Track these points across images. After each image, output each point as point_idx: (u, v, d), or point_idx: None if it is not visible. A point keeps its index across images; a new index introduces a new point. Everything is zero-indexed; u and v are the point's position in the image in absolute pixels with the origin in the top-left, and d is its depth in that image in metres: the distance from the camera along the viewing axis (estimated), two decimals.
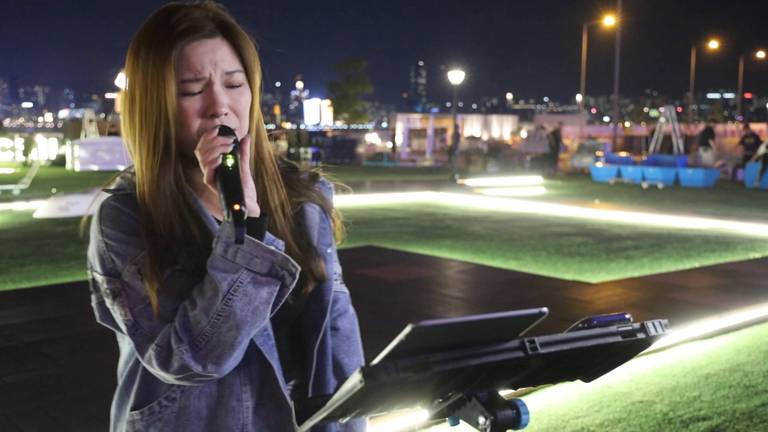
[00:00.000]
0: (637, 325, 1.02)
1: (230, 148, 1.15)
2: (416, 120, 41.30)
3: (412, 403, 0.99)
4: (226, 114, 1.19)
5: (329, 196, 1.40)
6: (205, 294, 1.13)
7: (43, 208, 12.41)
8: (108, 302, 1.20)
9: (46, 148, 28.76)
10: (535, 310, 0.92)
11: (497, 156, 27.11)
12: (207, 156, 1.14)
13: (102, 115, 46.15)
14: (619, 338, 1.00)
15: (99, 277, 1.20)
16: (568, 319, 5.73)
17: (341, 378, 1.37)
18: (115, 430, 1.30)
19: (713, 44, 61.33)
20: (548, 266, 8.28)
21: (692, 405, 4.20)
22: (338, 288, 1.41)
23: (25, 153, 28.12)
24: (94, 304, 1.25)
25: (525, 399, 4.21)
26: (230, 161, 1.14)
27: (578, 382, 1.12)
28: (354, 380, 0.86)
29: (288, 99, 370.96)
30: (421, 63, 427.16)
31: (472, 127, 53.56)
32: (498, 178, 21.36)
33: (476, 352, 0.91)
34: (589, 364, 1.05)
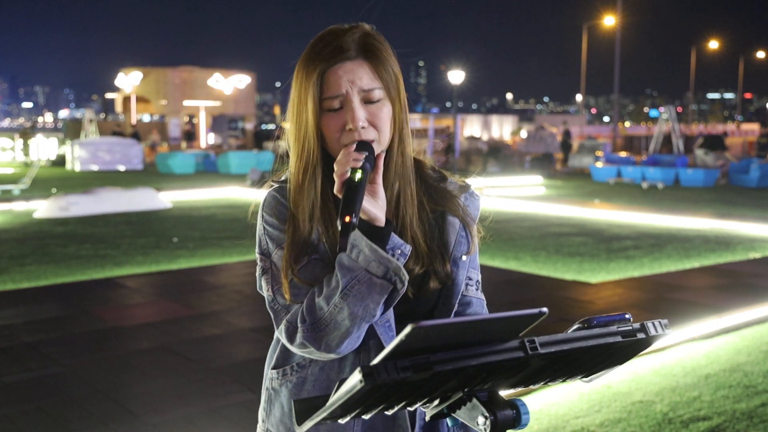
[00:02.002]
0: (637, 325, 1.02)
1: (360, 163, 1.26)
2: (416, 120, 41.31)
3: (412, 403, 0.99)
4: (363, 127, 1.32)
5: (474, 208, 1.53)
6: (330, 284, 1.29)
7: (43, 208, 12.41)
8: (259, 277, 1.40)
9: (46, 148, 28.75)
10: (535, 310, 0.92)
11: (497, 156, 27.10)
12: (339, 169, 1.28)
13: (102, 115, 46.13)
14: (619, 338, 1.00)
15: (257, 255, 1.42)
16: (568, 319, 5.73)
17: None
18: (264, 381, 1.52)
19: (713, 44, 61.29)
20: (548, 266, 8.28)
21: (692, 405, 4.20)
22: (473, 294, 1.50)
23: (26, 153, 28.12)
24: (257, 275, 1.44)
25: (525, 399, 4.20)
26: (358, 175, 1.25)
27: (578, 382, 1.12)
28: (354, 380, 0.86)
29: (288, 99, 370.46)
30: (421, 63, 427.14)
31: (472, 127, 53.55)
32: (498, 178, 21.36)
33: (476, 352, 0.91)
34: (589, 364, 1.05)
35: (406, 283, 1.27)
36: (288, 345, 1.33)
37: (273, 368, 1.46)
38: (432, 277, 1.39)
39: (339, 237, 1.24)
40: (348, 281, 1.26)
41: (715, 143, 22.27)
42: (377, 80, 1.34)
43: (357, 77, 1.32)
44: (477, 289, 1.52)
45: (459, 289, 1.43)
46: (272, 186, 1.44)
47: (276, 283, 1.36)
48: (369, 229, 1.28)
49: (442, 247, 1.42)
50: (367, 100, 1.33)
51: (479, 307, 1.52)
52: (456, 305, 1.43)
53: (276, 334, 1.43)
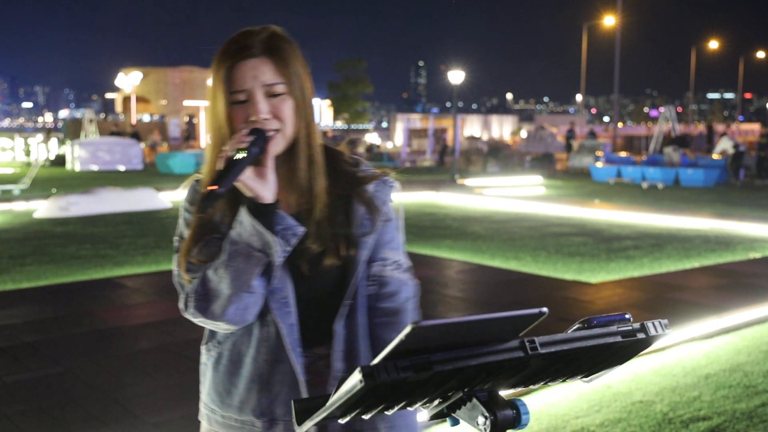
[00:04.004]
0: (637, 325, 1.02)
1: (244, 145, 1.38)
2: (416, 120, 41.32)
3: (412, 403, 0.99)
4: (266, 119, 1.44)
5: (384, 194, 1.59)
6: (219, 257, 1.45)
7: (43, 208, 12.41)
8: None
9: (46, 148, 28.74)
10: (535, 310, 0.92)
11: (497, 156, 27.09)
12: (227, 148, 1.40)
13: (102, 115, 46.12)
14: (619, 338, 1.00)
15: (175, 237, 1.56)
16: (568, 319, 5.73)
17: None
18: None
19: (713, 44, 61.28)
20: (548, 266, 8.28)
21: (692, 405, 4.20)
22: (390, 273, 1.56)
23: (27, 153, 28.12)
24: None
25: (525, 399, 4.20)
26: (240, 155, 1.36)
27: (578, 382, 1.12)
28: (354, 380, 0.86)
29: None
30: (421, 63, 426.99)
31: (472, 127, 53.55)
32: (498, 178, 21.35)
33: (476, 352, 0.91)
34: (589, 364, 1.05)
35: (280, 255, 1.42)
36: (185, 315, 1.48)
37: (202, 345, 1.62)
38: (328, 255, 1.49)
39: (199, 203, 1.34)
40: (230, 253, 1.42)
41: (682, 142, 22.68)
42: (279, 76, 1.45)
43: (260, 73, 1.44)
44: (396, 270, 1.58)
45: (358, 267, 1.51)
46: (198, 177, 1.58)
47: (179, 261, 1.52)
48: (254, 206, 1.41)
49: (345, 228, 1.52)
50: (270, 94, 1.45)
51: (397, 286, 1.56)
52: (358, 283, 1.52)
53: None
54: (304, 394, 1.48)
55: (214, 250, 1.47)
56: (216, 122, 1.47)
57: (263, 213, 1.42)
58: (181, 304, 1.49)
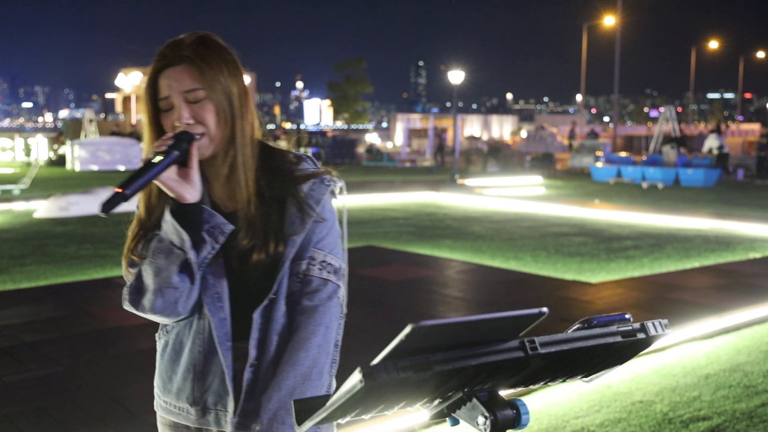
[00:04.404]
0: (637, 325, 1.02)
1: (163, 149, 1.44)
2: (416, 120, 41.31)
3: (412, 403, 0.99)
4: (189, 124, 1.50)
5: (319, 193, 1.59)
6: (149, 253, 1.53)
7: (43, 208, 12.41)
8: None
9: (52, 150, 28.74)
10: (535, 310, 0.92)
11: (497, 156, 27.09)
12: (149, 152, 1.47)
13: (102, 115, 46.14)
14: (619, 338, 1.00)
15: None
16: (568, 319, 5.73)
17: (287, 347, 1.56)
18: None
19: (713, 44, 61.28)
20: (548, 266, 8.28)
21: (692, 405, 4.20)
22: (316, 273, 1.58)
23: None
24: None
25: (525, 399, 4.20)
26: (157, 158, 1.42)
27: (578, 382, 1.12)
28: (354, 380, 0.86)
29: (288, 99, 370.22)
30: (421, 63, 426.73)
31: (472, 127, 53.55)
32: (498, 178, 21.35)
33: (476, 352, 0.91)
34: (589, 364, 1.05)
35: (190, 252, 1.48)
36: (124, 306, 1.57)
37: (156, 333, 1.71)
38: (256, 251, 1.55)
39: (103, 204, 1.38)
40: (154, 250, 1.51)
41: (681, 142, 22.78)
42: (198, 82, 1.50)
43: (180, 80, 1.50)
44: (322, 270, 1.59)
45: (284, 264, 1.55)
46: None
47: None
48: (177, 206, 1.49)
49: (276, 226, 1.57)
50: (192, 100, 1.50)
51: (318, 285, 1.58)
52: (285, 280, 1.56)
53: None
54: (230, 386, 1.55)
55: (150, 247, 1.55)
56: (146, 130, 1.56)
57: (185, 212, 1.49)
58: (122, 297, 1.59)
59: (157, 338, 1.70)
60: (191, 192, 1.49)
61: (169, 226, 1.49)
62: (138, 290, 1.54)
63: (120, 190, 1.38)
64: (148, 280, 1.51)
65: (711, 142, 22.08)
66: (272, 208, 1.58)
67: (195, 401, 1.61)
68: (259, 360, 1.55)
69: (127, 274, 1.58)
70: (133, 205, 1.61)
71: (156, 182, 1.47)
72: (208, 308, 1.56)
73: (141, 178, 1.41)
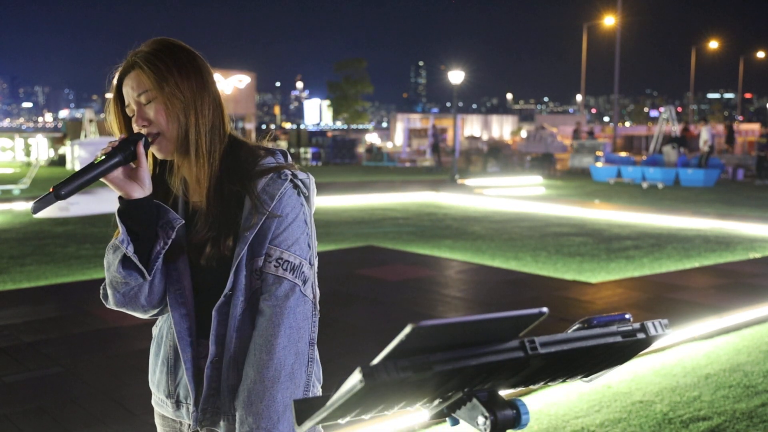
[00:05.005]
0: (637, 325, 1.02)
1: (107, 150, 1.50)
2: (416, 120, 41.29)
3: (412, 403, 0.99)
4: (145, 126, 1.56)
5: (274, 188, 1.58)
6: None
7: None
8: None
9: (46, 148, 28.73)
10: (535, 310, 0.92)
11: (497, 156, 27.09)
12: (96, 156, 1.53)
13: (102, 115, 46.10)
14: (619, 338, 1.00)
15: None
16: (568, 319, 5.73)
17: (250, 348, 1.57)
18: None
19: (713, 44, 61.20)
20: (548, 266, 8.28)
21: (692, 405, 4.20)
22: (271, 270, 1.57)
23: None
24: None
25: (525, 399, 4.20)
26: (99, 159, 1.49)
27: (578, 382, 1.12)
28: (354, 380, 0.86)
29: (288, 99, 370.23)
30: (421, 63, 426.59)
31: (472, 127, 53.52)
32: (498, 178, 21.35)
33: (476, 352, 0.91)
34: (589, 364, 1.05)
35: (127, 247, 1.52)
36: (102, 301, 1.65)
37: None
38: (209, 244, 1.58)
39: (35, 203, 1.43)
40: (108, 246, 1.57)
41: (681, 142, 22.84)
42: (148, 84, 1.54)
43: (132, 86, 1.56)
44: (278, 267, 1.57)
45: (237, 260, 1.56)
46: None
47: None
48: (126, 203, 1.53)
49: (231, 221, 1.58)
50: (144, 102, 1.56)
51: (273, 283, 1.56)
52: (242, 277, 1.57)
53: None
54: (190, 381, 1.60)
55: None
56: (116, 136, 1.61)
57: (136, 209, 1.54)
58: None
59: (152, 332, 1.78)
60: (138, 190, 1.53)
61: (116, 223, 1.54)
62: (105, 285, 1.62)
63: (52, 190, 1.42)
64: (107, 269, 1.58)
65: (705, 135, 22.10)
66: (231, 203, 1.59)
67: (170, 394, 1.67)
68: (219, 356, 1.58)
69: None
70: (109, 206, 1.70)
71: (104, 181, 1.52)
72: (170, 304, 1.61)
73: (78, 179, 1.45)
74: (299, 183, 1.61)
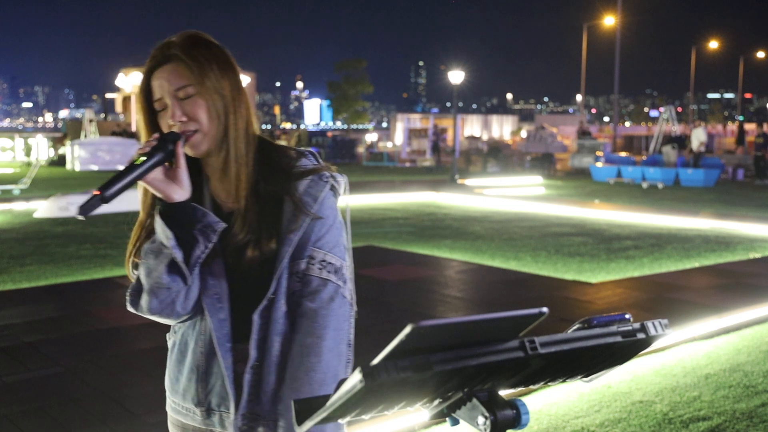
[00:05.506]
0: (637, 325, 1.02)
1: (146, 150, 1.44)
2: (416, 120, 41.30)
3: (412, 403, 0.99)
4: (182, 121, 1.49)
5: (317, 190, 1.56)
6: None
7: (43, 208, 12.40)
8: None
9: (46, 148, 28.74)
10: (535, 310, 0.92)
11: (497, 156, 27.08)
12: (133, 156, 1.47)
13: (102, 115, 46.11)
14: (619, 338, 1.00)
15: None
16: (568, 319, 5.73)
17: (296, 352, 1.53)
18: None
19: (713, 44, 61.22)
20: (548, 266, 8.28)
21: (692, 405, 4.20)
22: (316, 273, 1.55)
23: (27, 153, 28.10)
24: None
25: (525, 399, 4.20)
26: (140, 159, 1.42)
27: (578, 382, 1.12)
28: (354, 380, 0.86)
29: (288, 99, 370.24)
30: (421, 63, 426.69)
31: (472, 127, 53.53)
32: (498, 178, 21.35)
33: (476, 352, 0.91)
34: (589, 364, 1.05)
35: (174, 250, 1.47)
36: (128, 308, 1.58)
37: (167, 334, 1.73)
38: (250, 247, 1.54)
39: (81, 206, 1.36)
40: (146, 251, 1.51)
41: (680, 142, 22.91)
42: (188, 78, 1.49)
43: (170, 79, 1.49)
44: (322, 269, 1.56)
45: (279, 263, 1.53)
46: None
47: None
48: (165, 206, 1.48)
49: (272, 223, 1.54)
50: (182, 97, 1.50)
51: (318, 285, 1.55)
52: (284, 280, 1.54)
53: None
54: (230, 388, 1.54)
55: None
56: (142, 132, 1.55)
57: (175, 212, 1.48)
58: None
59: (167, 338, 1.71)
60: (179, 192, 1.48)
61: (158, 225, 1.49)
62: (137, 291, 1.54)
63: (98, 193, 1.36)
64: (143, 278, 1.51)
65: (702, 136, 22.12)
66: (268, 204, 1.55)
67: (200, 402, 1.60)
68: (260, 361, 1.54)
69: (131, 277, 1.58)
70: (135, 205, 1.60)
71: (143, 183, 1.46)
72: (207, 309, 1.55)
73: (121, 180, 1.39)
74: (335, 184, 1.61)
